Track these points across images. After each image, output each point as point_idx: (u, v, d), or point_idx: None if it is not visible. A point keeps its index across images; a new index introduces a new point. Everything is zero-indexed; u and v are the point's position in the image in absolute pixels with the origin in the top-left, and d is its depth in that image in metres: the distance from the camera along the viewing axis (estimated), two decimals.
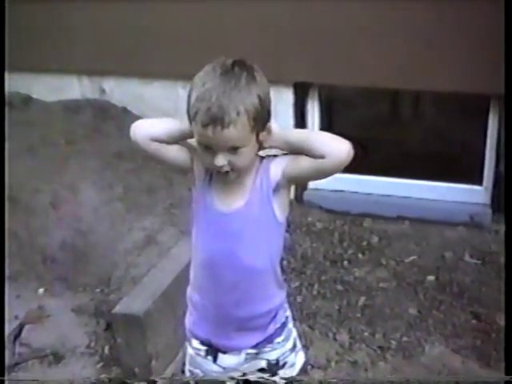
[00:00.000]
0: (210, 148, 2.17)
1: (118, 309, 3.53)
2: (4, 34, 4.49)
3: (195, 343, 2.57)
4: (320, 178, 2.39)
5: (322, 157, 2.19)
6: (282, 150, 2.31)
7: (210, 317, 2.50)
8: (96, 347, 3.75)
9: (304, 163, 2.25)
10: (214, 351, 2.54)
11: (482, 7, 4.47)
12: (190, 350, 2.62)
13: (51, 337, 3.83)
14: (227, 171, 2.22)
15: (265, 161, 2.32)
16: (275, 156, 2.32)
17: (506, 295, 3.22)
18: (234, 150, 2.17)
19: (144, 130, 2.38)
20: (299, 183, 2.20)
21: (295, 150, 2.27)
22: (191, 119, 2.17)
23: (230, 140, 2.14)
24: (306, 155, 2.23)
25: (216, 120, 2.10)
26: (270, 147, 2.29)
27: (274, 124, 2.27)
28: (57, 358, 3.70)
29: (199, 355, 2.57)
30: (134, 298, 3.60)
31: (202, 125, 2.12)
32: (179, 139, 2.33)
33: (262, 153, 2.33)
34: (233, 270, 2.36)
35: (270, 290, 2.44)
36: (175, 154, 2.35)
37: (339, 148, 2.21)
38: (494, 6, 4.41)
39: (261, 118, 2.18)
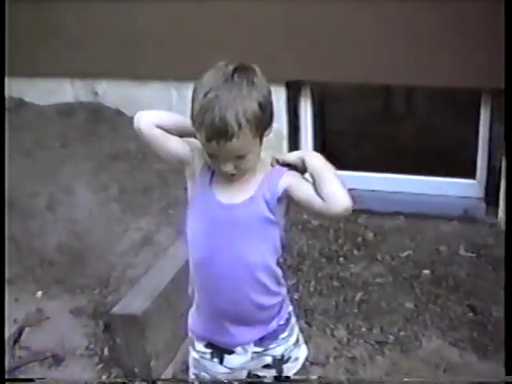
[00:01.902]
0: (216, 156, 2.22)
1: (116, 309, 3.53)
2: (4, 38, 4.49)
3: (199, 347, 2.58)
4: (309, 212, 2.43)
5: (322, 198, 2.24)
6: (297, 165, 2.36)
7: (210, 314, 2.50)
8: (95, 348, 3.76)
9: (305, 191, 2.29)
10: (219, 353, 2.55)
11: (471, 3, 4.50)
12: (194, 354, 2.62)
13: (51, 339, 3.84)
14: (233, 174, 2.26)
15: (276, 170, 2.35)
16: (287, 167, 2.36)
17: (505, 295, 3.23)
18: (238, 157, 2.21)
19: (150, 115, 2.38)
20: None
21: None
22: (196, 129, 2.20)
23: (234, 151, 2.17)
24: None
25: (219, 134, 2.13)
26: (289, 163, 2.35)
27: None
28: (57, 360, 3.71)
29: (204, 358, 2.58)
30: (132, 299, 3.60)
31: (206, 139, 2.16)
32: (183, 133, 2.36)
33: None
34: (232, 265, 2.37)
35: (269, 286, 2.44)
36: (176, 145, 2.37)
37: (340, 202, 2.26)
38: (483, 1, 4.44)
39: (263, 123, 2.22)
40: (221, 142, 2.14)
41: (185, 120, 2.34)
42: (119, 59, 5.07)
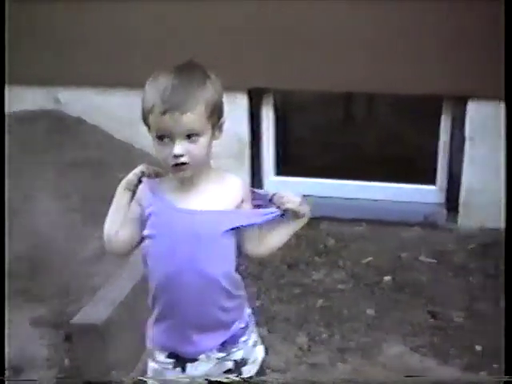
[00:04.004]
0: (167, 138, 2.21)
1: (76, 319, 3.51)
2: (4, 44, 4.46)
3: (161, 357, 2.55)
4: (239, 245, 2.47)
5: (260, 243, 2.47)
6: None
7: (173, 324, 2.49)
8: (56, 359, 3.73)
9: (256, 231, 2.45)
10: (181, 362, 2.53)
11: (430, 7, 4.54)
12: (154, 365, 2.59)
13: (10, 350, 3.80)
14: (184, 163, 2.24)
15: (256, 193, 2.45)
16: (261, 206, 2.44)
17: (505, 295, 3.27)
18: (191, 137, 2.21)
19: (110, 235, 2.48)
20: None
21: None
22: (148, 113, 2.22)
23: (189, 125, 2.19)
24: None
25: (174, 106, 2.16)
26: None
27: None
28: (16, 371, 3.67)
29: (167, 369, 2.55)
30: (92, 308, 3.58)
31: (160, 113, 2.18)
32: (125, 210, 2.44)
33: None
34: (197, 276, 2.36)
35: (231, 291, 2.45)
36: (134, 222, 2.43)
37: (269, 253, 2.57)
38: (441, 5, 4.48)
39: (216, 109, 2.26)
40: (175, 114, 2.17)
41: (119, 201, 2.46)
42: (82, 67, 5.04)
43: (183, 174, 2.28)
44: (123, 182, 2.46)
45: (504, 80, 3.68)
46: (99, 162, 4.84)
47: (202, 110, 2.21)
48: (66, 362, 3.69)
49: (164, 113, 2.17)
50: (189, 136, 2.21)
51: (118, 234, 2.45)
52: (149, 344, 2.60)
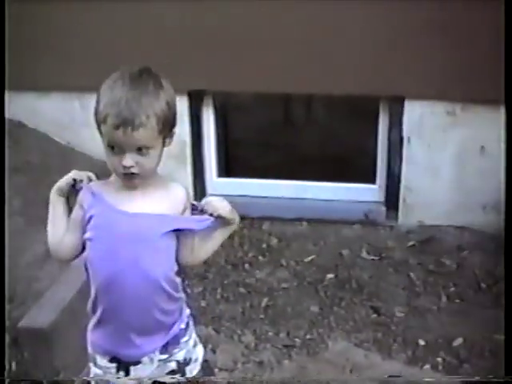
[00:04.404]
0: (118, 149, 2.22)
1: (22, 323, 3.50)
2: (4, 50, 4.40)
3: (103, 362, 2.55)
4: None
5: (192, 251, 2.49)
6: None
7: (114, 328, 2.48)
8: (3, 363, 3.70)
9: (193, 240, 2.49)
10: (124, 365, 2.53)
11: (366, 8, 4.61)
12: (96, 370, 2.58)
13: None
14: (133, 173, 2.26)
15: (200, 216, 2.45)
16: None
17: (505, 296, 3.32)
18: (142, 151, 2.22)
19: (55, 244, 2.48)
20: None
21: None
22: (100, 122, 2.22)
23: (140, 141, 2.20)
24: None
25: (127, 122, 2.16)
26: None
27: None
28: None
29: (109, 373, 2.55)
30: (37, 312, 3.56)
31: (113, 127, 2.18)
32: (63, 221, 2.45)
33: None
34: (139, 279, 2.37)
35: (172, 294, 2.46)
36: (76, 229, 2.43)
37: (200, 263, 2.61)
38: (384, 5, 4.55)
39: (168, 122, 2.27)
40: (127, 130, 2.17)
41: (54, 209, 2.46)
42: (21, 71, 5.00)
43: (132, 183, 2.31)
44: (54, 189, 2.45)
45: (504, 84, 3.74)
46: (40, 166, 4.81)
47: (154, 125, 2.21)
48: (13, 366, 3.67)
49: (117, 127, 2.17)
50: (140, 149, 2.22)
51: (63, 240, 2.44)
52: (89, 349, 2.59)
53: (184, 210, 2.43)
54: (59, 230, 2.45)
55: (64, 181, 2.42)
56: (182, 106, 5.02)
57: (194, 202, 2.49)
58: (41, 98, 5.18)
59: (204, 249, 2.52)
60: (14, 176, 4.66)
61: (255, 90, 5.05)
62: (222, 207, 2.42)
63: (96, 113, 2.24)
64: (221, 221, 2.44)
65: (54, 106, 5.10)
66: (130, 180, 2.30)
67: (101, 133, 2.26)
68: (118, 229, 2.35)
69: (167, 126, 2.27)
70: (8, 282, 3.99)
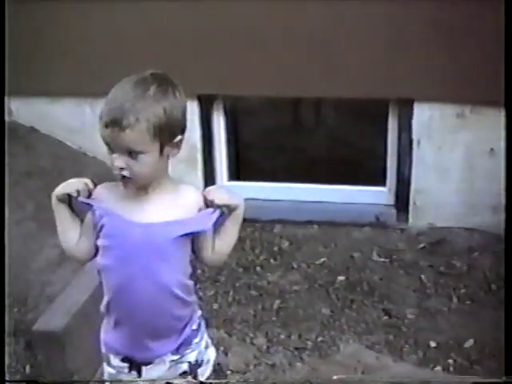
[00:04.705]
0: (110, 149, 2.23)
1: (36, 327, 3.52)
2: (4, 57, 4.43)
3: (116, 361, 2.57)
4: (194, 251, 2.49)
5: (213, 249, 2.48)
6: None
7: (128, 332, 2.50)
8: (17, 367, 3.73)
9: (207, 238, 2.47)
10: (136, 365, 2.55)
11: (374, 11, 4.63)
12: (109, 370, 2.61)
13: None
14: (124, 176, 2.25)
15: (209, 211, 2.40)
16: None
17: (505, 296, 3.33)
18: (132, 154, 2.21)
19: (70, 248, 2.49)
20: None
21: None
22: (99, 123, 2.23)
23: (127, 143, 2.18)
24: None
25: (115, 122, 2.15)
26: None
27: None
28: None
29: (122, 372, 2.57)
30: (51, 316, 3.59)
31: (103, 125, 2.18)
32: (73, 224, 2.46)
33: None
34: (151, 287, 2.38)
35: (185, 299, 2.48)
36: (89, 235, 2.45)
37: (222, 261, 2.62)
38: (392, 7, 4.57)
39: (165, 129, 2.22)
40: (115, 130, 2.16)
41: (59, 215, 2.46)
42: (33, 76, 5.03)
43: (127, 186, 2.30)
44: (53, 197, 2.45)
45: (504, 86, 3.75)
46: (52, 170, 4.84)
47: (143, 130, 2.17)
48: (28, 369, 3.70)
49: (106, 126, 2.17)
50: (130, 153, 2.20)
51: (78, 244, 2.46)
52: (103, 349, 2.61)
53: (199, 211, 2.39)
54: (71, 234, 2.46)
55: (61, 191, 2.42)
56: (193, 110, 5.04)
57: None
58: (53, 104, 5.21)
59: (223, 243, 2.49)
60: (27, 180, 4.70)
61: (265, 94, 5.08)
62: (218, 197, 2.39)
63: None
64: (225, 210, 2.41)
65: (66, 111, 5.13)
66: (124, 183, 2.29)
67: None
68: (128, 238, 2.35)
69: (164, 133, 2.23)
70: (21, 286, 4.03)
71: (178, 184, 2.43)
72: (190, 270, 2.49)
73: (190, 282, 2.51)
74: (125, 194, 2.36)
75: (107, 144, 2.23)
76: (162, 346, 2.52)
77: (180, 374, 2.60)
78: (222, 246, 2.49)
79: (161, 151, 2.25)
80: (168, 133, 2.24)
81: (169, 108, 2.22)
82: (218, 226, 2.44)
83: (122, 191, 2.36)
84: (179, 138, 2.29)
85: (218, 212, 2.39)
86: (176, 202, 2.38)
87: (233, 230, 2.48)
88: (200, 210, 2.39)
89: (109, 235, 2.39)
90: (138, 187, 2.32)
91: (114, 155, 2.22)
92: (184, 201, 2.39)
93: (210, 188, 2.45)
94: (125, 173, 2.23)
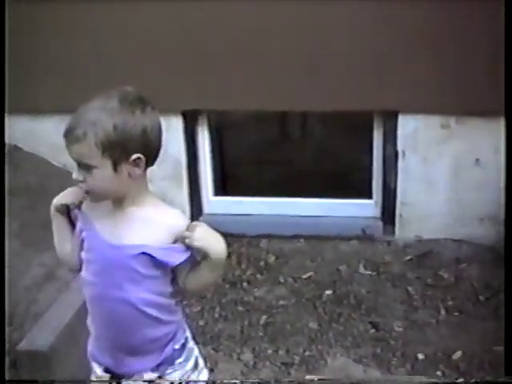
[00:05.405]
0: None
1: (21, 345, 3.50)
2: (4, 72, 4.42)
3: (99, 371, 2.58)
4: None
5: (188, 283, 2.44)
6: None
7: (105, 345, 2.52)
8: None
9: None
10: (116, 378, 2.55)
11: (357, 23, 4.63)
12: (94, 378, 2.63)
13: None
14: (86, 191, 2.29)
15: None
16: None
17: (505, 296, 3.33)
18: (86, 168, 2.22)
19: (61, 255, 2.56)
20: None
21: None
22: None
23: (77, 156, 2.21)
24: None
25: (67, 133, 2.21)
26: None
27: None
28: None
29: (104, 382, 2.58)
30: (37, 334, 3.57)
31: (63, 136, 2.23)
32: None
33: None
34: (121, 303, 2.38)
35: (161, 318, 2.45)
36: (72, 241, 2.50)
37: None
38: (375, 20, 4.57)
39: (116, 146, 2.20)
40: (68, 142, 2.21)
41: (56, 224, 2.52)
42: (15, 93, 5.01)
43: (90, 199, 2.34)
44: (52, 206, 2.48)
45: (504, 95, 3.75)
46: (37, 189, 4.82)
47: (91, 144, 2.16)
48: None
49: (64, 137, 2.22)
50: (83, 166, 2.22)
51: (71, 253, 2.50)
52: (89, 358, 2.63)
53: (175, 241, 2.34)
54: (66, 243, 2.51)
55: (59, 201, 2.45)
56: (177, 125, 5.04)
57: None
58: (36, 121, 5.19)
59: (195, 283, 2.43)
60: (12, 199, 4.67)
61: (250, 108, 5.07)
62: (193, 238, 2.30)
63: None
64: (203, 252, 2.34)
65: (50, 128, 5.10)
66: (88, 196, 2.33)
67: None
68: (101, 255, 2.37)
69: (115, 150, 2.20)
70: (7, 305, 4.00)
71: (160, 205, 2.41)
72: (169, 289, 2.44)
73: (169, 301, 2.47)
74: (105, 208, 2.37)
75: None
76: (140, 362, 2.51)
77: None
78: (193, 284, 2.43)
79: (115, 168, 2.23)
80: (120, 150, 2.21)
81: (121, 125, 2.20)
82: (192, 264, 2.39)
83: (103, 205, 2.37)
84: (136, 156, 2.24)
85: (188, 252, 2.35)
86: (151, 225, 2.34)
87: (206, 275, 2.40)
88: (177, 239, 2.33)
89: (88, 249, 2.42)
90: (116, 202, 2.33)
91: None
92: (161, 225, 2.35)
93: (195, 223, 2.36)
94: (82, 185, 2.27)
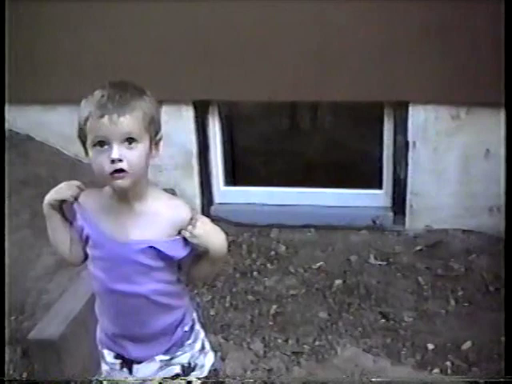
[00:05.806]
0: (105, 144, 2.18)
1: (32, 335, 3.53)
2: (4, 65, 4.44)
3: (109, 358, 2.60)
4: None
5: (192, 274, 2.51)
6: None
7: (116, 334, 2.54)
8: (14, 375, 3.72)
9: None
10: (128, 363, 2.57)
11: (368, 14, 4.63)
12: (105, 367, 2.64)
13: None
14: (122, 170, 2.20)
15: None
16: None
17: (505, 297, 3.33)
18: (129, 143, 2.19)
19: (61, 253, 2.54)
20: None
21: None
22: (84, 122, 2.20)
23: (127, 127, 2.17)
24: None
25: (112, 110, 2.15)
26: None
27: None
28: None
29: (115, 369, 2.60)
30: (47, 323, 3.59)
31: (98, 117, 2.15)
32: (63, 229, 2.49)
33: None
34: (131, 296, 2.40)
35: (172, 304, 2.49)
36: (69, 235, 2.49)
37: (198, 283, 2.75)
38: (386, 10, 4.57)
39: (153, 123, 2.26)
40: (113, 116, 2.15)
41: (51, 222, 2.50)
42: (27, 84, 5.03)
43: (121, 182, 2.23)
44: (45, 204, 2.48)
45: (504, 87, 3.75)
46: (48, 179, 4.84)
47: (140, 116, 2.19)
48: (25, 377, 3.69)
49: (102, 116, 2.14)
50: (127, 141, 2.18)
51: (70, 249, 2.49)
52: (99, 346, 2.65)
53: (179, 232, 2.36)
54: (63, 240, 2.49)
55: (54, 197, 2.45)
56: (188, 116, 5.05)
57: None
58: (48, 111, 5.21)
59: (197, 274, 2.52)
60: (23, 189, 4.69)
61: (260, 99, 5.07)
62: (198, 235, 2.33)
63: (79, 120, 2.23)
64: (203, 248, 2.37)
65: (61, 118, 5.12)
66: (119, 179, 2.21)
67: (84, 140, 2.24)
68: (108, 252, 2.38)
69: (153, 124, 2.25)
70: (18, 295, 4.03)
71: (162, 197, 2.42)
72: (176, 276, 2.48)
73: (177, 287, 2.51)
74: (107, 203, 2.37)
75: (101, 138, 2.17)
76: (152, 347, 2.54)
77: (172, 377, 2.60)
78: (195, 275, 2.52)
79: (150, 144, 2.27)
80: (155, 127, 2.28)
81: (153, 103, 2.28)
82: (194, 256, 2.43)
83: (105, 200, 2.37)
84: (160, 135, 2.31)
85: (190, 249, 2.39)
86: (156, 219, 2.36)
87: (206, 267, 2.47)
88: (181, 229, 2.35)
89: (94, 246, 2.42)
90: (125, 186, 2.25)
91: (111, 150, 2.17)
92: (165, 219, 2.36)
93: (197, 217, 2.38)
94: (121, 165, 2.19)
